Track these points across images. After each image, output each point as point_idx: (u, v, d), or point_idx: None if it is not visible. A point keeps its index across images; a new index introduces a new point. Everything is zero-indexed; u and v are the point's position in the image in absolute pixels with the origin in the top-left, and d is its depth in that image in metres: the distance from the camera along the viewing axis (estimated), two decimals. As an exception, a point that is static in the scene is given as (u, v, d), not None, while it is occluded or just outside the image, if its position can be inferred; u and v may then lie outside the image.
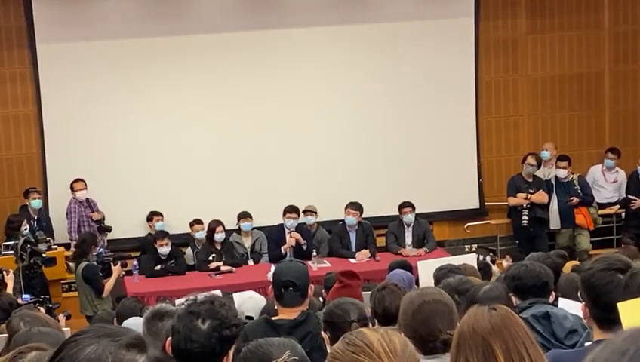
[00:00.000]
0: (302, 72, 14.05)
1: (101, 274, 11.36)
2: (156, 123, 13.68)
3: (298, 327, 5.12)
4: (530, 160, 13.74)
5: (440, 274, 6.86)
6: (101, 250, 12.32)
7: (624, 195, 14.54)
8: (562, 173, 13.76)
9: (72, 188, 12.93)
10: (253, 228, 13.13)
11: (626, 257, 3.94)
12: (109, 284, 11.38)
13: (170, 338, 3.83)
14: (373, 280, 9.44)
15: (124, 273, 11.99)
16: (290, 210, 12.95)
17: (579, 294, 3.85)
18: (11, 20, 13.42)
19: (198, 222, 12.95)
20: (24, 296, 10.01)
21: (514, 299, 5.39)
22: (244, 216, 13.03)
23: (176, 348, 3.73)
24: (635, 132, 15.36)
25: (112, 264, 11.52)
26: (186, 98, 13.70)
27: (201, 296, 3.92)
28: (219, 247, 12.59)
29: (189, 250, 13.00)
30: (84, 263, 11.31)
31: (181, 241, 13.07)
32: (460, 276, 6.07)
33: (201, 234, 12.85)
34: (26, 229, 12.18)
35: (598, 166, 14.50)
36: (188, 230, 13.23)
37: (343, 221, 13.10)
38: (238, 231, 13.11)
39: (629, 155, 14.89)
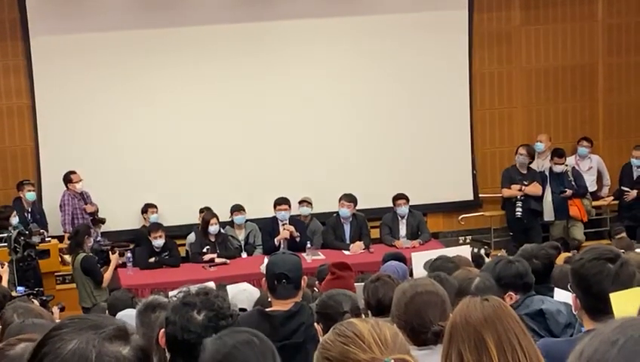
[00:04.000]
0: (297, 64, 14.04)
1: (100, 262, 11.40)
2: (151, 115, 13.67)
3: (292, 319, 5.13)
4: (521, 150, 13.77)
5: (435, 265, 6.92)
6: (98, 238, 12.34)
7: (605, 180, 14.72)
8: (559, 169, 13.78)
9: (69, 180, 12.91)
10: (246, 221, 13.13)
11: (614, 247, 3.96)
12: (108, 274, 11.41)
13: (163, 329, 3.83)
14: (367, 272, 9.44)
15: (121, 262, 12.00)
16: (281, 201, 12.96)
17: (569, 286, 3.86)
18: (5, 12, 13.38)
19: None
20: (18, 288, 10.02)
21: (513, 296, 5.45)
22: (237, 209, 13.03)
23: (171, 339, 3.73)
24: (628, 124, 15.37)
25: (110, 252, 11.56)
26: (181, 90, 13.69)
27: (193, 288, 3.92)
28: (213, 239, 12.59)
29: (191, 235, 12.95)
30: (82, 254, 11.32)
31: (175, 233, 13.07)
32: (442, 258, 6.17)
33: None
34: (15, 218, 12.19)
35: (570, 158, 14.48)
36: (181, 222, 13.28)
37: (337, 213, 13.11)
38: (232, 223, 13.11)
39: (622, 147, 14.93)
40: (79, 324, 1.93)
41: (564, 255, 9.53)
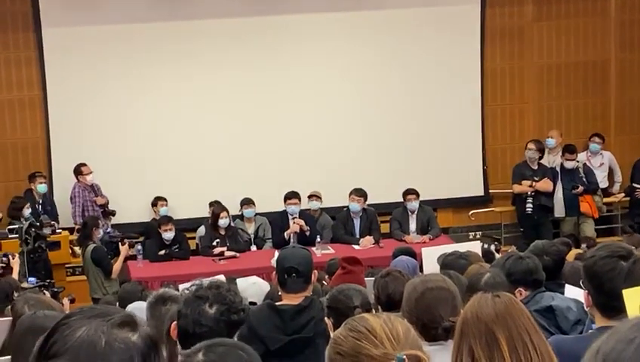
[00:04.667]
0: (306, 58, 14.03)
1: (110, 254, 11.44)
2: (161, 108, 13.68)
3: (302, 313, 5.12)
4: (530, 145, 13.77)
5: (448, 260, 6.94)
6: (108, 229, 12.36)
7: (616, 176, 14.71)
8: (571, 165, 13.74)
9: (79, 172, 12.92)
10: (256, 215, 13.14)
11: (627, 244, 3.94)
12: (118, 265, 11.48)
13: (175, 322, 3.84)
14: (377, 267, 9.44)
15: (130, 253, 12.02)
16: (291, 196, 12.95)
17: (581, 282, 3.85)
18: (17, 4, 13.40)
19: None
20: (30, 278, 10.04)
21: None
22: (247, 202, 13.03)
23: (183, 332, 3.74)
24: (640, 120, 15.34)
25: (119, 243, 11.59)
26: (191, 84, 13.70)
27: (206, 281, 3.93)
28: (223, 233, 12.60)
29: (201, 229, 12.96)
30: (92, 246, 11.38)
31: (185, 226, 13.08)
32: (455, 254, 6.22)
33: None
34: (28, 209, 12.25)
35: (582, 154, 14.43)
36: (191, 215, 13.33)
37: (347, 207, 13.10)
38: (241, 217, 13.12)
39: (634, 144, 14.90)
40: (87, 313, 1.94)
41: (574, 251, 9.51)
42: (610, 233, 14.15)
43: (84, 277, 11.71)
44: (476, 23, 14.51)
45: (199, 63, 13.71)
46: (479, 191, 14.77)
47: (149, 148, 13.65)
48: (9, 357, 4.19)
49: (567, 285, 6.05)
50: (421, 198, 13.26)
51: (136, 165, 13.58)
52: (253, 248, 12.87)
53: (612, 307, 3.54)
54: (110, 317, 1.92)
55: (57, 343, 1.87)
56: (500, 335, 3.12)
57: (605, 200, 14.28)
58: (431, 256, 7.89)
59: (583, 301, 4.56)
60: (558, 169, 13.86)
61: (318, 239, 12.51)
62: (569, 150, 13.82)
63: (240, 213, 13.12)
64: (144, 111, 13.66)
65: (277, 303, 5.28)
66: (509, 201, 14.31)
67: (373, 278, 6.33)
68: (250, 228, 13.07)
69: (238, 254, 12.38)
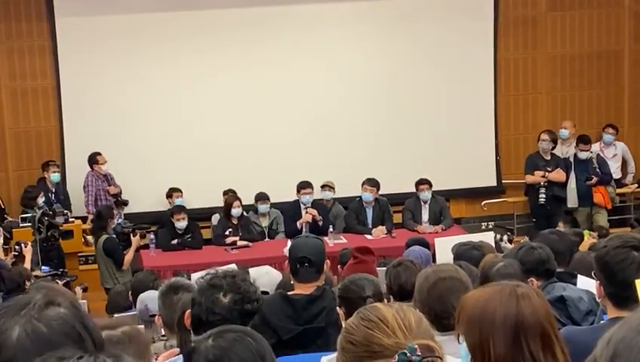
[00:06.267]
0: (319, 47, 14.01)
1: (122, 244, 11.46)
2: (175, 98, 13.69)
3: (314, 302, 5.13)
4: (544, 136, 13.72)
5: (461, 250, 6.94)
6: (120, 220, 12.39)
7: (630, 167, 14.69)
8: (584, 155, 13.69)
9: (95, 161, 12.94)
10: (271, 208, 13.13)
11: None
12: (129, 256, 11.48)
13: (189, 310, 3.86)
14: (389, 257, 9.44)
15: (142, 243, 12.04)
16: (305, 185, 12.95)
17: (593, 274, 3.85)
18: (30, -7, 13.45)
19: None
20: (43, 267, 10.09)
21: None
22: (261, 198, 12.96)
23: (196, 320, 3.75)
24: (654, 111, 15.29)
25: (131, 234, 11.62)
26: (204, 74, 13.71)
27: (221, 270, 3.94)
28: (235, 222, 12.61)
29: (216, 216, 12.98)
30: (104, 236, 11.39)
31: (199, 216, 13.09)
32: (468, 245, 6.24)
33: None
34: (41, 198, 12.30)
35: (595, 144, 14.37)
36: (205, 205, 13.31)
37: (359, 197, 13.09)
38: (255, 210, 13.09)
39: (647, 134, 14.86)
40: (9, 311, 1.93)
41: (587, 242, 9.50)
42: (623, 224, 14.10)
43: (96, 266, 11.75)
44: (490, 13, 14.47)
45: (212, 54, 13.71)
46: (492, 182, 14.75)
47: (162, 137, 13.67)
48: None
49: (579, 276, 6.05)
50: (434, 188, 13.24)
51: (149, 154, 13.60)
52: (265, 239, 12.88)
53: (624, 297, 3.54)
54: (32, 303, 1.93)
55: (1, 350, 1.87)
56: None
57: (618, 190, 14.24)
58: (444, 247, 7.90)
59: (594, 291, 4.56)
60: (571, 159, 13.83)
61: (331, 229, 12.50)
62: (583, 141, 13.78)
63: (254, 206, 13.08)
64: (157, 101, 13.67)
65: (289, 293, 5.28)
66: (521, 192, 14.28)
67: (385, 268, 6.33)
68: (265, 222, 13.03)
69: (250, 244, 12.39)
